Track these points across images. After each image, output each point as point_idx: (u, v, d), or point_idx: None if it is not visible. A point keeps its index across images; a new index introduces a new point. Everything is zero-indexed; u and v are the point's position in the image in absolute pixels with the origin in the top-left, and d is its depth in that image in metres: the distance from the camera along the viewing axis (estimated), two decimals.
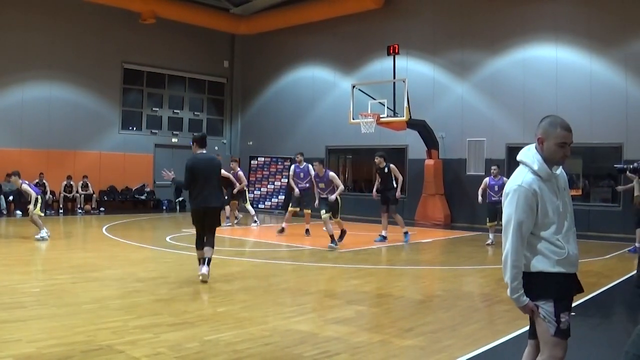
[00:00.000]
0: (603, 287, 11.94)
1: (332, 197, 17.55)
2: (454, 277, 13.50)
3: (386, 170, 19.22)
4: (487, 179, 19.15)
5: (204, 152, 12.38)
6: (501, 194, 18.20)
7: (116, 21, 30.39)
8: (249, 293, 10.87)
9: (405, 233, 19.49)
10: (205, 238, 12.13)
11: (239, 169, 23.52)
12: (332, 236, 17.09)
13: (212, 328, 8.29)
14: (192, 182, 11.98)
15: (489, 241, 19.14)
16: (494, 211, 18.48)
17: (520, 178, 4.75)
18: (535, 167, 4.74)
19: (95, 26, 29.87)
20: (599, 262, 15.63)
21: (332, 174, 18.03)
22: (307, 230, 20.53)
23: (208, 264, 11.84)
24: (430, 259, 17.01)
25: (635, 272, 9.36)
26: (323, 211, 17.44)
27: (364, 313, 9.60)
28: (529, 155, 4.83)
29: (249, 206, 23.98)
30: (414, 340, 7.94)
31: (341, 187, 17.91)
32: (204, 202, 11.98)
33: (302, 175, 20.55)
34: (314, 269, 13.37)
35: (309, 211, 20.59)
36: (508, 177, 5.05)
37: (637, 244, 16.59)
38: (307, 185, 20.27)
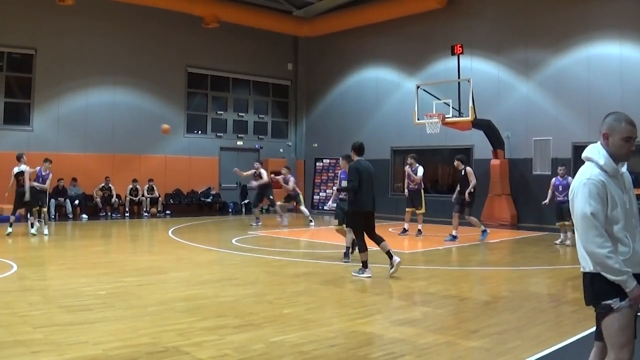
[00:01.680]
0: None
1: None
2: (520, 277, 13.39)
3: (462, 172, 19.59)
4: (553, 179, 19.10)
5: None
6: (566, 194, 18.22)
7: (179, 26, 30.79)
8: (313, 295, 10.93)
9: (484, 231, 19.81)
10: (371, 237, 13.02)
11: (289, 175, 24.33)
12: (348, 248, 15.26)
13: (277, 330, 8.35)
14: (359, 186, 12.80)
15: (559, 240, 19.13)
16: (560, 210, 18.46)
17: (588, 172, 4.75)
18: (602, 162, 4.74)
19: (158, 31, 30.33)
20: None
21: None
22: (418, 231, 20.93)
23: (392, 256, 12.81)
24: (497, 259, 16.88)
25: None
26: (337, 221, 16.25)
27: (429, 314, 9.57)
28: (594, 151, 4.83)
29: (303, 207, 24.20)
30: (479, 342, 7.92)
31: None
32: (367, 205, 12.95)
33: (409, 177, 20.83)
34: (379, 270, 13.35)
35: (422, 211, 20.94)
36: (574, 177, 5.02)
37: None
38: (416, 187, 20.70)
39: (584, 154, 4.90)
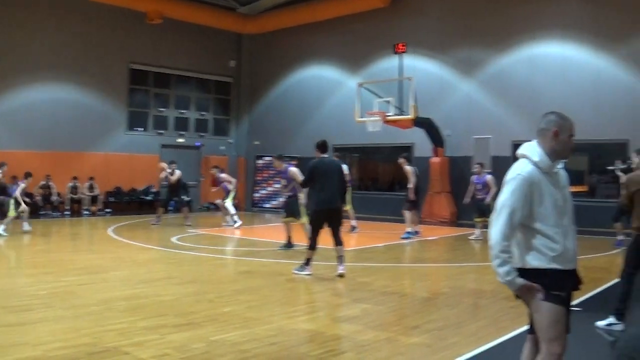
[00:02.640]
0: (608, 283, 11.95)
1: (302, 197, 16.34)
2: (460, 274, 13.52)
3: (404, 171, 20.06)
4: (473, 177, 19.59)
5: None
6: (485, 191, 18.50)
7: (122, 21, 30.40)
8: (254, 293, 10.88)
9: (410, 232, 20.05)
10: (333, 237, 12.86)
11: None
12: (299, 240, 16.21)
13: (217, 328, 8.30)
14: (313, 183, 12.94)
15: (474, 236, 19.65)
16: (480, 207, 18.81)
17: (519, 168, 4.82)
18: (536, 159, 4.80)
19: (101, 27, 29.87)
20: (605, 258, 15.66)
21: (293, 169, 16.72)
22: (352, 227, 20.94)
23: (343, 262, 12.76)
24: (437, 256, 17.02)
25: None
26: (285, 214, 16.69)
27: (369, 311, 9.59)
28: (530, 148, 4.91)
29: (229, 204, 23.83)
30: (419, 338, 7.96)
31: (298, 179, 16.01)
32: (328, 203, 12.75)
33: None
34: (320, 268, 13.36)
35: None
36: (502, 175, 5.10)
37: (619, 237, 16.80)
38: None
39: (519, 151, 4.96)
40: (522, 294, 4.79)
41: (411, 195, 19.87)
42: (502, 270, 4.68)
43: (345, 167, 19.50)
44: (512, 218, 4.68)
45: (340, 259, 12.72)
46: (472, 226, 20.26)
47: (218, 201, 24.38)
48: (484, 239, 18.79)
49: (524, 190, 4.70)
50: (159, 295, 10.54)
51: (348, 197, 19.66)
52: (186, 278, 12.36)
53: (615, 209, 17.14)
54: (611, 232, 17.28)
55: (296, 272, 12.83)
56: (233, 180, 23.83)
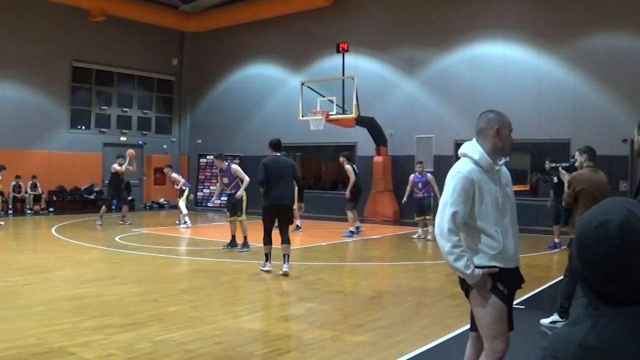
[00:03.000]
0: (551, 281, 12.12)
1: (239, 193, 16.15)
2: (404, 272, 13.60)
3: (344, 170, 20.34)
4: (412, 176, 19.52)
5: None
6: (426, 190, 18.58)
7: (65, 18, 29.90)
8: (199, 292, 10.83)
9: (352, 231, 20.23)
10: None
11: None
12: (244, 238, 16.25)
13: (162, 328, 8.25)
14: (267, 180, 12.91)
15: (417, 235, 19.65)
16: (420, 206, 18.91)
17: (459, 166, 4.85)
18: (477, 157, 4.83)
19: (43, 24, 29.34)
20: (547, 256, 15.87)
21: (235, 166, 16.82)
22: (297, 226, 20.88)
23: (288, 260, 12.83)
24: (380, 255, 17.08)
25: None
26: (228, 213, 16.79)
27: (314, 310, 9.60)
28: (470, 147, 4.94)
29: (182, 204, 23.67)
30: (365, 336, 7.99)
31: (247, 179, 16.27)
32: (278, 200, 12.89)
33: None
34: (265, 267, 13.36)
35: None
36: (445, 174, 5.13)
37: (556, 240, 16.90)
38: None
39: (461, 151, 5.00)
40: (481, 286, 4.73)
41: (347, 194, 20.07)
42: (460, 264, 4.62)
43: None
44: (454, 215, 4.68)
45: (285, 257, 12.77)
46: (416, 225, 20.37)
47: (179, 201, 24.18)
48: (426, 238, 18.96)
49: (465, 188, 4.72)
50: (104, 295, 10.42)
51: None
52: (130, 278, 12.26)
53: (554, 209, 17.22)
54: (552, 230, 17.47)
55: (262, 268, 13.03)
56: (182, 180, 23.63)
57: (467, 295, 4.93)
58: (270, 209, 12.93)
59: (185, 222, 22.72)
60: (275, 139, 13.59)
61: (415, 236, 19.54)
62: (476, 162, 4.82)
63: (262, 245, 13.12)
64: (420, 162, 19.75)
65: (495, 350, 4.77)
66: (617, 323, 1.90)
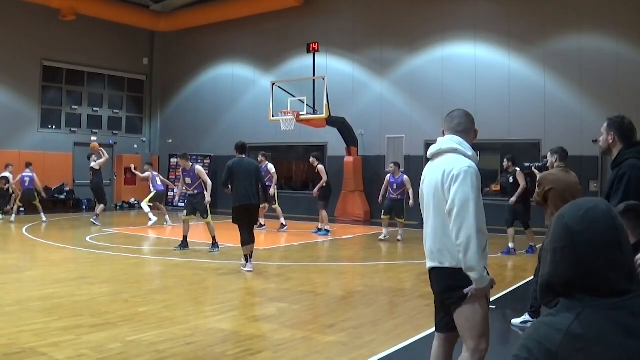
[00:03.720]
0: (522, 281, 12.20)
1: (208, 199, 16.32)
2: (375, 272, 13.64)
3: (316, 170, 20.59)
4: (388, 176, 19.32)
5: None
6: (400, 192, 18.48)
7: (35, 17, 29.60)
8: (169, 292, 10.82)
9: (321, 230, 20.47)
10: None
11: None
12: (213, 238, 16.27)
13: (133, 328, 8.22)
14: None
15: (383, 235, 19.32)
16: (391, 207, 18.80)
17: (465, 161, 4.75)
18: (470, 153, 4.83)
19: (13, 22, 29.05)
20: (518, 257, 15.93)
21: (199, 168, 17.02)
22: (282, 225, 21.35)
23: (251, 260, 13.21)
24: (351, 255, 17.12)
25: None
26: (185, 212, 16.79)
27: (285, 310, 9.61)
28: (459, 142, 4.88)
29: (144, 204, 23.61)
30: (336, 337, 8.00)
31: (209, 182, 16.72)
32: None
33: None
34: (235, 267, 13.36)
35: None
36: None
37: (510, 245, 16.39)
38: (268, 183, 20.07)
39: (448, 145, 4.89)
40: (486, 289, 4.73)
41: (316, 191, 20.58)
42: (481, 267, 4.60)
43: (271, 167, 20.17)
44: (480, 212, 4.63)
45: (247, 257, 13.05)
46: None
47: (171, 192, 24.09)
48: (392, 238, 18.94)
49: (479, 183, 4.70)
50: (74, 295, 10.37)
51: (276, 196, 21.14)
52: (101, 278, 12.21)
53: (508, 212, 16.62)
54: (522, 231, 17.43)
55: (243, 268, 13.16)
56: (154, 181, 23.53)
57: (452, 299, 4.81)
58: (239, 209, 13.13)
59: (150, 220, 22.70)
60: (240, 142, 13.90)
61: (381, 237, 19.24)
62: (470, 158, 4.80)
63: (230, 244, 13.21)
64: (395, 163, 19.60)
65: (480, 350, 4.79)
66: (602, 314, 1.95)
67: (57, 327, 8.21)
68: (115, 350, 7.22)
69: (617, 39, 21.53)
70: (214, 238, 16.17)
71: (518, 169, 16.26)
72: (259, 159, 20.84)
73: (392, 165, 19.49)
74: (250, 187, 13.20)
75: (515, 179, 16.20)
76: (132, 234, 20.71)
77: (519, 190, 15.98)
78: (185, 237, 16.32)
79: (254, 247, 13.35)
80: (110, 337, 7.77)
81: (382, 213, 19.41)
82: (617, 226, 2.04)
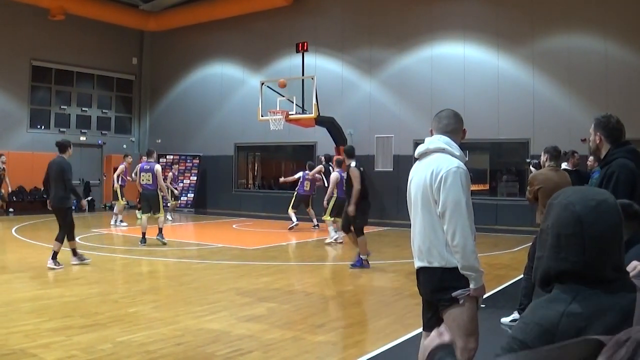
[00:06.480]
0: (512, 280, 12.24)
1: (169, 197, 16.67)
2: (364, 272, 13.63)
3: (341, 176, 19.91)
4: (335, 174, 17.75)
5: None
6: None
7: (25, 17, 29.54)
8: (159, 293, 10.83)
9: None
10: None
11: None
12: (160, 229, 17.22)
13: (123, 329, 8.22)
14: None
15: (333, 239, 18.39)
16: (341, 208, 16.70)
17: (452, 161, 4.73)
18: (458, 153, 4.80)
19: (2, 22, 28.98)
20: (507, 255, 15.99)
21: (157, 167, 17.09)
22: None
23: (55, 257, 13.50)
24: (340, 254, 17.08)
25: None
26: (138, 212, 17.30)
27: (275, 310, 9.62)
28: (448, 142, 4.86)
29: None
30: (325, 336, 8.02)
31: (162, 184, 17.46)
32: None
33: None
34: (224, 267, 13.37)
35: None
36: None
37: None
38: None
39: (436, 145, 4.86)
40: (484, 290, 4.75)
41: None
42: (478, 266, 4.62)
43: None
44: (471, 211, 4.63)
45: (53, 254, 13.55)
46: (374, 224, 20.33)
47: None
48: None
49: (469, 183, 4.69)
50: (64, 296, 10.36)
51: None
52: (91, 278, 12.19)
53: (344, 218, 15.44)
54: (511, 229, 17.48)
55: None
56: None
57: (442, 299, 4.79)
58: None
59: (122, 221, 22.84)
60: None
61: (329, 240, 18.45)
62: (458, 158, 4.77)
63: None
64: (346, 158, 17.02)
65: (469, 349, 4.78)
66: (598, 296, 2.00)
67: (47, 328, 8.20)
68: (106, 351, 7.22)
69: (605, 39, 21.61)
70: (160, 230, 17.13)
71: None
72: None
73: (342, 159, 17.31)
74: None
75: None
76: (121, 234, 20.69)
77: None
78: (143, 234, 17.09)
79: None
80: (100, 338, 7.77)
81: (331, 215, 18.18)
82: (622, 221, 2.10)
